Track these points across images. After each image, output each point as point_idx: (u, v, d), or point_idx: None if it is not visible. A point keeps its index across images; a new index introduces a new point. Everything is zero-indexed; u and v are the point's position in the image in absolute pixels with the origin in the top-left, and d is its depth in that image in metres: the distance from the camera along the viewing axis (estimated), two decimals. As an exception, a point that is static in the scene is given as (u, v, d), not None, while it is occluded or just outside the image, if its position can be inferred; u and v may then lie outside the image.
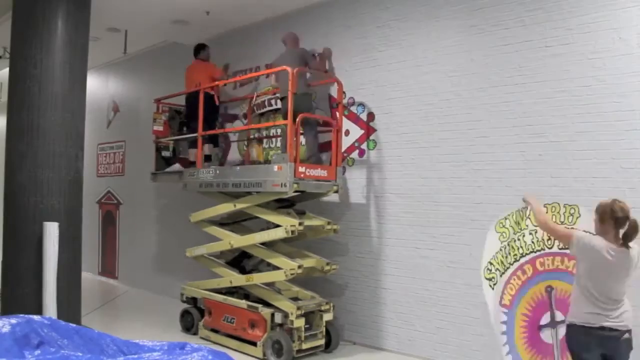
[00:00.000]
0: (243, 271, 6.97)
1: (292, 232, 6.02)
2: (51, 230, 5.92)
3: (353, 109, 6.94)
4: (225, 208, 6.94)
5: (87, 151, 6.95)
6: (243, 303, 6.53)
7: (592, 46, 5.06)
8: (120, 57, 10.43)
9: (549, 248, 4.23)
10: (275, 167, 6.00)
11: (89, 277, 10.81)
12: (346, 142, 6.99)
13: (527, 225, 4.27)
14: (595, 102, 5.01)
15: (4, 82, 8.49)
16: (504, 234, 4.30)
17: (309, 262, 6.42)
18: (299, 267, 6.06)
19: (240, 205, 6.71)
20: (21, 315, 3.54)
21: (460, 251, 5.91)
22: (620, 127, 4.85)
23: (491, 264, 4.29)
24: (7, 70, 6.89)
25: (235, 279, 6.76)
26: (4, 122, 6.60)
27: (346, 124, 6.98)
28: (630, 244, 3.59)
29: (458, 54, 6.01)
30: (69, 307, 6.09)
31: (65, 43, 6.26)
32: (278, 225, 6.29)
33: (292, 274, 6.02)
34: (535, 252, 4.27)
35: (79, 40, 6.43)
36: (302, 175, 6.01)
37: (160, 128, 7.95)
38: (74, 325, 3.70)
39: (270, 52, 7.95)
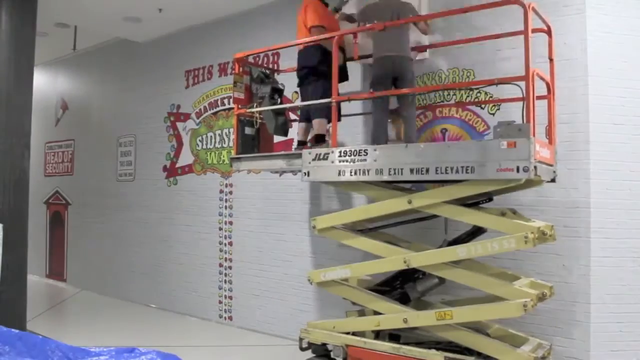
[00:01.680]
0: (404, 300, 4.88)
1: (527, 241, 4.01)
2: (-5, 232, 5.74)
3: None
4: (392, 207, 4.65)
5: (34, 150, 6.77)
6: (437, 355, 4.34)
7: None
8: (70, 53, 10.19)
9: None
10: (504, 143, 4.06)
11: (36, 280, 10.50)
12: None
13: None
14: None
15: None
16: None
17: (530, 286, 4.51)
18: (542, 294, 4.30)
19: (419, 202, 4.48)
20: (-40, 321, 3.42)
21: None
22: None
23: None
24: (-53, 65, 6.63)
25: (414, 317, 4.52)
26: (-56, 119, 6.33)
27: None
28: None
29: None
30: (14, 311, 5.90)
31: (10, 37, 6.08)
32: (474, 232, 4.63)
33: (525, 309, 4.04)
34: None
35: (25, 35, 6.24)
36: (537, 157, 4.10)
37: (242, 95, 5.95)
38: (17, 331, 3.59)
39: (225, 50, 7.88)
